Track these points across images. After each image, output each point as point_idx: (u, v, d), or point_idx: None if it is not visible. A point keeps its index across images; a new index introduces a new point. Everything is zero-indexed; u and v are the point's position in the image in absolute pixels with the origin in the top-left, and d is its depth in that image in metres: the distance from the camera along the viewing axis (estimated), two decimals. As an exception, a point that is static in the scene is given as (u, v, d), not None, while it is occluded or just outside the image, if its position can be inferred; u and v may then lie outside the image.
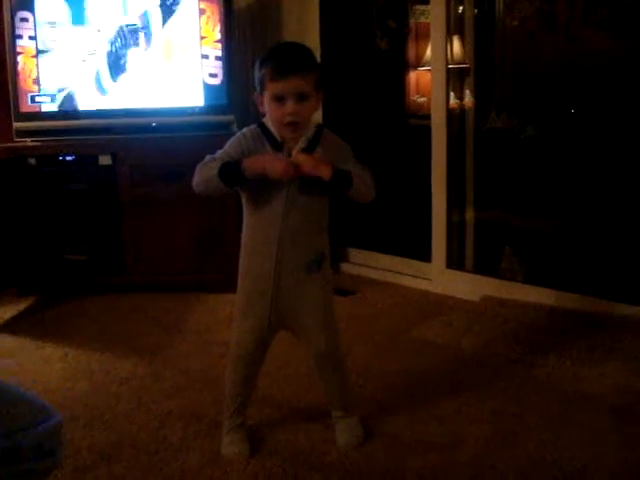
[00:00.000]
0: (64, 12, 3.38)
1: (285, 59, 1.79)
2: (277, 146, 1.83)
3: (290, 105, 1.76)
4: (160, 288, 3.41)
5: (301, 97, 1.76)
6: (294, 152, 1.81)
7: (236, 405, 2.00)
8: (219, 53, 3.42)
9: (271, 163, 1.77)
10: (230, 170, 1.80)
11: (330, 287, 2.00)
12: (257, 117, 1.92)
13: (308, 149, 1.83)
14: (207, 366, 2.59)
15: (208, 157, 1.86)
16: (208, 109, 3.45)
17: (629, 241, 3.25)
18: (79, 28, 3.40)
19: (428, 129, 3.44)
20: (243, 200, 1.91)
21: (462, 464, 1.91)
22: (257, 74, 1.81)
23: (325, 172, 1.77)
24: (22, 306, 3.34)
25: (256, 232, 1.90)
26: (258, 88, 1.83)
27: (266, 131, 1.84)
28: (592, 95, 3.52)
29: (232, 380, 2.00)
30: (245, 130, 1.88)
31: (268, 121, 1.84)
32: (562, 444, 1.98)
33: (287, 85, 1.75)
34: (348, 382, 2.08)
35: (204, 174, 1.83)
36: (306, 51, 1.85)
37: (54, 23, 3.38)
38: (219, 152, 1.87)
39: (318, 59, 1.89)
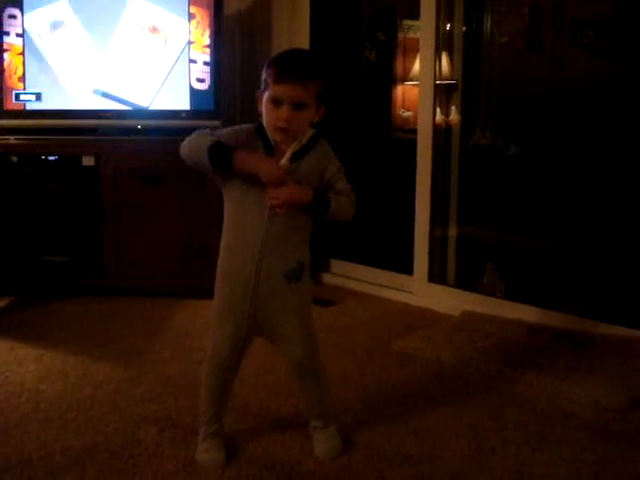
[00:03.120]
0: (54, 12, 3.37)
1: (290, 64, 1.78)
2: (270, 149, 1.82)
3: (285, 110, 1.75)
4: (140, 292, 3.38)
5: (298, 105, 1.75)
6: (284, 158, 1.80)
7: (212, 412, 1.97)
8: (207, 58, 3.41)
9: (267, 166, 1.76)
10: (221, 150, 1.76)
11: (309, 298, 1.97)
12: (243, 123, 1.91)
13: (298, 155, 1.82)
14: (185, 372, 2.56)
15: (207, 130, 1.83)
16: (194, 114, 3.44)
17: (611, 260, 3.28)
18: (69, 28, 3.38)
19: (413, 143, 3.45)
20: (225, 201, 1.89)
21: (439, 478, 1.89)
22: (263, 73, 1.81)
23: (305, 199, 1.79)
24: (-2, 306, 3.30)
25: (237, 236, 1.87)
26: (262, 87, 1.82)
27: (262, 133, 1.83)
28: (577, 116, 3.55)
29: (208, 386, 1.97)
30: (243, 126, 1.87)
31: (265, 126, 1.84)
32: (539, 460, 1.98)
33: (286, 90, 1.74)
34: (327, 393, 2.06)
35: (196, 140, 1.80)
36: (314, 60, 1.84)
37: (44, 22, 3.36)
38: (216, 131, 1.85)
39: (327, 74, 1.85)
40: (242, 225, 1.86)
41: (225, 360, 1.93)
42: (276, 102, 1.76)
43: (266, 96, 1.78)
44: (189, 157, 1.82)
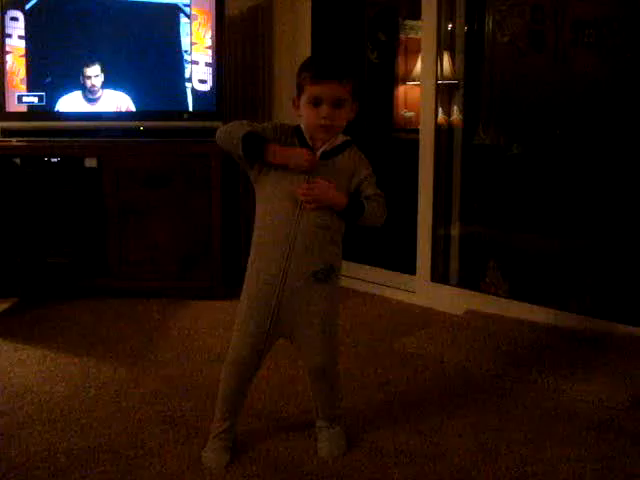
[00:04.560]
0: (55, 14, 3.38)
1: (326, 64, 1.86)
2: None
3: (325, 109, 1.81)
4: (143, 293, 3.39)
5: (337, 103, 1.81)
6: (317, 154, 1.85)
7: (225, 409, 1.97)
8: (209, 59, 3.42)
9: (298, 152, 1.83)
10: (254, 140, 1.83)
11: (336, 303, 1.97)
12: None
13: (330, 154, 1.87)
14: (188, 373, 2.56)
15: (246, 120, 1.91)
16: (196, 115, 3.44)
17: (614, 258, 3.27)
18: (70, 30, 3.39)
19: (415, 143, 3.45)
20: (257, 199, 1.92)
21: (443, 477, 1.90)
22: (297, 78, 1.86)
23: (338, 201, 1.84)
24: (1, 308, 3.30)
25: (266, 233, 1.89)
26: (297, 91, 1.87)
27: (300, 134, 1.88)
28: (579, 115, 3.55)
29: (225, 383, 1.97)
30: (283, 124, 1.93)
31: (302, 127, 1.89)
32: (543, 458, 1.98)
33: (325, 89, 1.80)
34: (339, 397, 2.06)
35: (233, 127, 1.87)
36: (345, 61, 1.92)
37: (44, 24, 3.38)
38: (255, 124, 1.91)
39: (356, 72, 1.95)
40: (271, 222, 1.88)
41: (245, 358, 1.93)
42: (316, 102, 1.81)
43: (304, 98, 1.83)
44: (223, 143, 1.88)
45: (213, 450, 1.95)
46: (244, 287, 1.94)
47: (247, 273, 1.93)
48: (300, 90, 1.85)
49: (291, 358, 2.52)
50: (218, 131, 1.90)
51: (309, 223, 1.84)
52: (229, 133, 1.87)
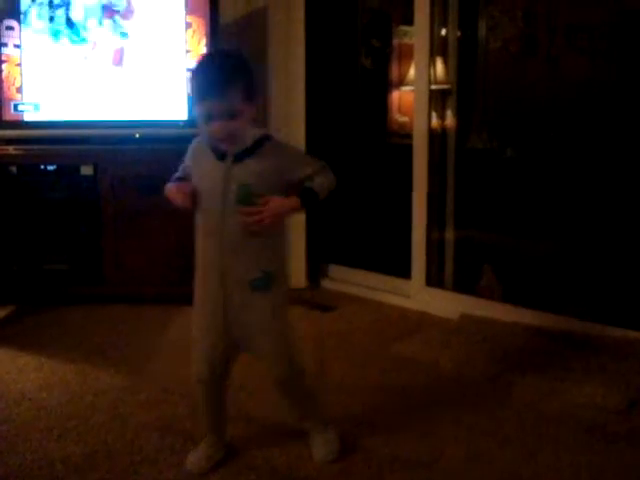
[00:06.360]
0: (49, 22, 3.39)
1: (206, 81, 1.74)
2: (220, 155, 1.80)
3: (217, 124, 1.72)
4: (139, 300, 3.39)
5: (229, 114, 1.71)
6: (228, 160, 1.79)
7: (206, 423, 1.99)
8: (204, 67, 3.42)
9: (174, 194, 1.84)
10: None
11: (284, 310, 1.90)
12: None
13: (242, 155, 1.78)
14: (184, 378, 2.53)
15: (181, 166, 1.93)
16: (191, 122, 3.44)
17: (607, 262, 3.29)
18: (64, 38, 3.40)
19: (409, 148, 3.47)
20: None
21: (438, 480, 1.91)
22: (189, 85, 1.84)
23: (291, 207, 1.80)
24: (-2, 315, 3.31)
25: (200, 245, 1.86)
26: (193, 100, 1.82)
27: (210, 142, 1.82)
28: (572, 119, 3.57)
29: (199, 400, 1.98)
30: (194, 142, 1.90)
31: None
32: (537, 462, 1.99)
33: (211, 106, 1.71)
34: (312, 406, 2.03)
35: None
36: (230, 65, 1.76)
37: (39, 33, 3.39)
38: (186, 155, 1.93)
39: (248, 67, 1.80)
40: (202, 234, 1.85)
41: (204, 374, 1.91)
42: (208, 118, 1.73)
43: (196, 111, 1.76)
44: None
45: (196, 454, 1.96)
46: (194, 302, 1.91)
47: (195, 288, 1.90)
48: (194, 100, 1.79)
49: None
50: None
51: (234, 231, 1.78)
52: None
